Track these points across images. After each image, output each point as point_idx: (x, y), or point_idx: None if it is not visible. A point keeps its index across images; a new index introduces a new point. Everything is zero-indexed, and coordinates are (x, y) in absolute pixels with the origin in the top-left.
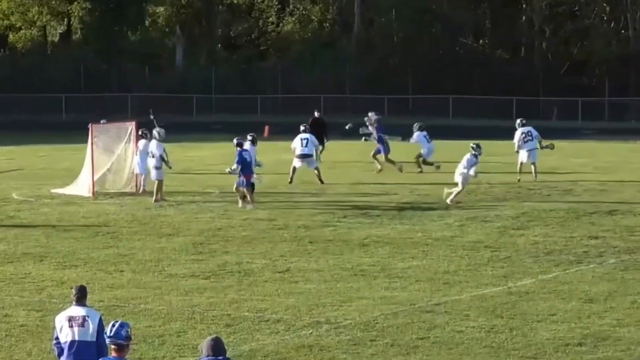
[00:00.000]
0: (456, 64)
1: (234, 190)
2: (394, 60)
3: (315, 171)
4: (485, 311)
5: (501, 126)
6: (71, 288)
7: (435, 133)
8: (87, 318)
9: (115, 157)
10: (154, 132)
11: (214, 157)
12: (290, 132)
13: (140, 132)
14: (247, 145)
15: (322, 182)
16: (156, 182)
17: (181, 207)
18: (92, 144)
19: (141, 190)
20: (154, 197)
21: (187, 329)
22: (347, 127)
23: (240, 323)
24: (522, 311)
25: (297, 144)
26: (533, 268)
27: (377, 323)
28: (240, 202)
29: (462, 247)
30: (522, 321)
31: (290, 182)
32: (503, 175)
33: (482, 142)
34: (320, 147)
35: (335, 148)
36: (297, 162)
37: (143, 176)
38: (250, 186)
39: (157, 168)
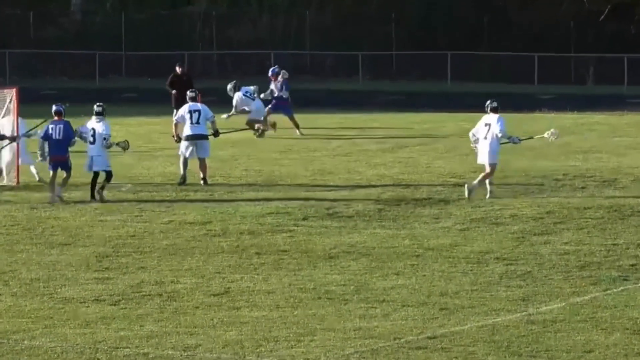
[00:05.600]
0: (457, 10)
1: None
2: (372, 3)
3: (199, 161)
4: (497, 347)
5: (517, 92)
6: None
7: (428, 102)
8: None
9: None
10: None
11: (126, 137)
12: (229, 102)
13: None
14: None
15: (206, 181)
16: None
17: (80, 207)
18: None
19: (38, 179)
20: None
21: None
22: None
23: None
24: (548, 347)
25: (184, 119)
26: (562, 288)
27: None
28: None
29: (466, 260)
30: None
31: (182, 182)
32: (521, 160)
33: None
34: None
35: (287, 122)
36: (185, 147)
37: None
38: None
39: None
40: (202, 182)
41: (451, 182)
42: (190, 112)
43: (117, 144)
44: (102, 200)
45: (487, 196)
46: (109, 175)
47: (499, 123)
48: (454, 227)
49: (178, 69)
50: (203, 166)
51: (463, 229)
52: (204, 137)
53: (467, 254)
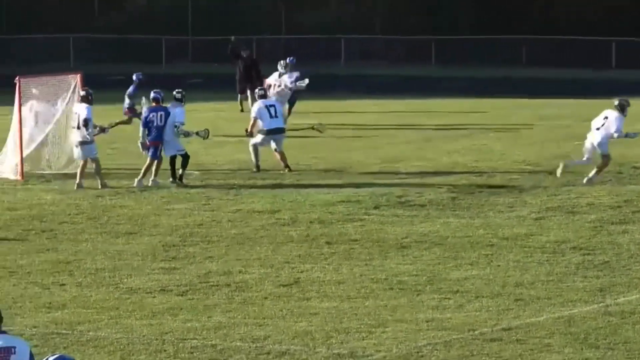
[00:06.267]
0: None
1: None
2: None
3: (278, 154)
4: (573, 339)
5: (594, 79)
6: None
7: (502, 87)
8: (13, 350)
9: (53, 124)
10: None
11: (192, 123)
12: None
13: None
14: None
15: (289, 167)
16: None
17: (145, 195)
18: (19, 105)
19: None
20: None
21: None
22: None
23: (230, 357)
24: (626, 339)
25: (261, 114)
26: None
27: (421, 356)
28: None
29: (541, 250)
30: (625, 353)
31: (257, 170)
32: None
33: (569, 101)
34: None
35: (357, 108)
36: (261, 139)
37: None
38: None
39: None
40: (287, 170)
41: (526, 169)
42: (266, 107)
43: (197, 133)
44: (180, 184)
45: (585, 180)
46: (184, 158)
47: (617, 123)
48: (529, 216)
49: (244, 54)
50: (283, 156)
51: (538, 218)
52: (283, 130)
53: (542, 244)
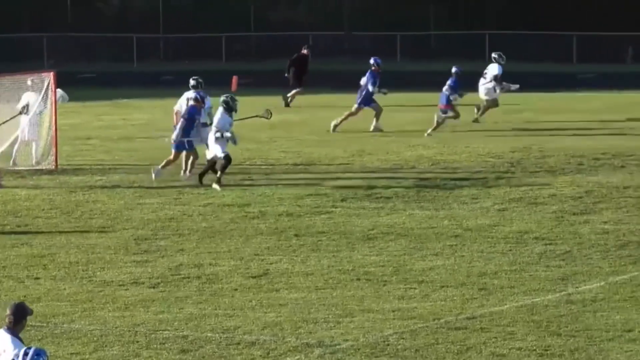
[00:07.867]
0: None
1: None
2: None
3: (192, 155)
4: (536, 327)
5: (550, 72)
6: None
7: (471, 82)
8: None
9: (27, 121)
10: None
11: (163, 120)
12: (268, 85)
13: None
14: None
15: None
16: None
17: (118, 190)
18: None
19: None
20: None
21: (129, 356)
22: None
23: (202, 347)
24: (587, 326)
25: (182, 105)
26: (602, 267)
27: (388, 345)
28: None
29: (505, 240)
30: (586, 340)
31: (186, 171)
32: (560, 139)
33: (535, 95)
34: (295, 90)
35: (326, 102)
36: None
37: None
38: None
39: None
40: (184, 172)
41: (490, 162)
42: (187, 99)
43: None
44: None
45: None
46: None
47: None
48: (493, 208)
49: (305, 51)
50: (195, 156)
51: (502, 209)
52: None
53: (506, 234)
